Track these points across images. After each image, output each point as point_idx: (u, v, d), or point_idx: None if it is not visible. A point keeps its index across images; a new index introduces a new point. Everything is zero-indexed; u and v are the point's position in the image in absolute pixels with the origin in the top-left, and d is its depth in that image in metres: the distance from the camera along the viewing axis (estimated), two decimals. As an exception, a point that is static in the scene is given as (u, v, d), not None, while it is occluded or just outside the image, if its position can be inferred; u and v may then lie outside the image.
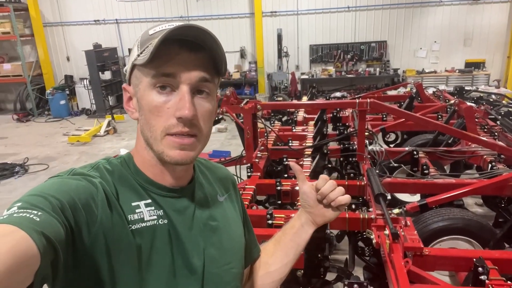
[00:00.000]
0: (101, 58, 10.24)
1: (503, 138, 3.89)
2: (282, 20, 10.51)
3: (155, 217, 0.75)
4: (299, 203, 2.69)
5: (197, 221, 0.82)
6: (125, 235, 0.70)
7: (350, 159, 3.62)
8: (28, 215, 0.55)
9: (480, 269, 1.87)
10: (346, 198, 0.92)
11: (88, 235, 0.66)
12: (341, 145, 3.75)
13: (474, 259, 1.93)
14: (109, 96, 10.51)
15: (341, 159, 3.78)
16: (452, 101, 4.52)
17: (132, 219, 0.73)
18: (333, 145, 3.85)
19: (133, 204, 0.74)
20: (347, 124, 4.73)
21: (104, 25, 11.23)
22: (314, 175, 3.14)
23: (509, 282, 1.82)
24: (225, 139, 7.55)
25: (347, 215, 2.55)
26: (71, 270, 0.64)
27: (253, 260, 1.04)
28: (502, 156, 3.41)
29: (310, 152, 3.62)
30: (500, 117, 4.47)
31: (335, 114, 4.91)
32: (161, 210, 0.77)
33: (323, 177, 0.95)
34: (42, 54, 11.23)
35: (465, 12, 10.06)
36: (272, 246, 1.02)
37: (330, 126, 4.88)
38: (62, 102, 10.72)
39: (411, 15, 10.29)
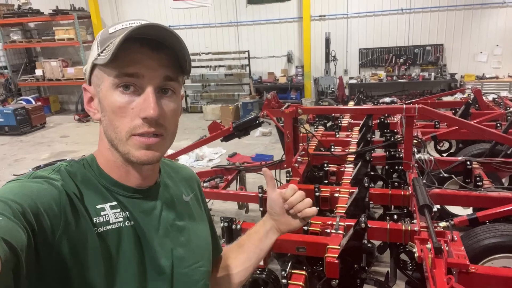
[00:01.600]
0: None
1: None
2: (331, 23, 10.35)
3: (121, 219, 0.74)
4: (338, 211, 2.62)
5: (164, 222, 0.82)
6: (90, 238, 0.69)
7: (397, 167, 3.46)
8: None
9: (535, 293, 1.70)
10: (313, 210, 0.95)
11: (52, 239, 0.63)
12: (387, 153, 3.60)
13: (529, 282, 1.75)
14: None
15: (387, 167, 3.62)
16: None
17: (97, 221, 0.71)
18: (379, 152, 3.70)
19: (98, 206, 0.73)
20: (395, 130, 4.54)
21: (159, 32, 11.76)
22: (355, 183, 3.04)
23: None
24: (269, 143, 7.56)
25: (388, 226, 2.43)
26: (35, 277, 0.61)
27: (216, 258, 1.04)
28: None
29: (352, 159, 3.51)
30: None
31: (382, 120, 4.73)
32: (127, 212, 0.76)
33: (292, 186, 0.97)
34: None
35: (533, 12, 9.27)
36: (235, 249, 1.04)
37: (377, 133, 4.71)
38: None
39: (470, 17, 9.67)
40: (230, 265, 1.02)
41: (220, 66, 11.33)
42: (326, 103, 8.45)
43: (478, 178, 3.11)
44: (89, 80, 0.78)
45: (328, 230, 2.39)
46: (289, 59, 10.77)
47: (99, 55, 0.72)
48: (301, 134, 3.79)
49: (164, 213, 0.82)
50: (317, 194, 2.91)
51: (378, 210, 3.66)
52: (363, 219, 2.05)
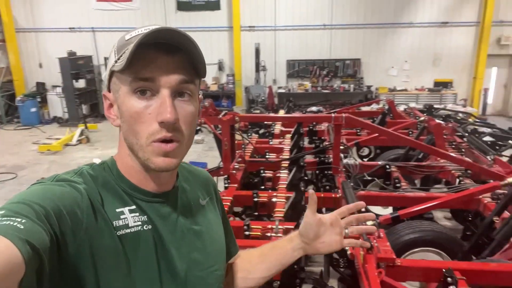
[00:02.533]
0: (76, 66, 10.04)
1: (469, 154, 4.08)
2: (260, 34, 10.69)
3: (140, 223, 0.75)
4: (276, 215, 2.72)
5: (181, 226, 0.82)
6: (110, 241, 0.70)
7: (326, 172, 3.70)
8: (12, 223, 0.54)
9: (449, 279, 1.95)
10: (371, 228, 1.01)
11: (74, 241, 0.65)
12: (317, 158, 3.83)
13: (444, 270, 2.00)
14: (82, 105, 10.28)
15: (317, 172, 3.85)
16: (422, 118, 4.71)
17: (117, 225, 0.72)
18: (309, 158, 3.92)
19: (118, 210, 0.74)
20: (322, 138, 4.84)
21: (80, 33, 11.05)
22: (291, 187, 3.18)
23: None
24: (202, 150, 7.52)
25: (322, 227, 2.59)
26: (57, 277, 0.63)
27: (230, 258, 1.05)
28: (469, 171, 3.57)
29: (286, 165, 3.67)
30: (467, 134, 4.69)
31: (311, 128, 5.01)
32: (145, 216, 0.77)
33: (346, 208, 0.99)
34: (14, 60, 10.90)
35: (434, 34, 10.57)
36: (257, 256, 1.04)
37: (306, 140, 4.97)
38: (33, 109, 10.40)
39: (383, 35, 10.70)
40: (248, 269, 1.03)
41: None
42: (258, 111, 8.68)
43: (396, 180, 3.46)
44: (108, 87, 0.78)
45: (268, 234, 2.47)
46: (220, 67, 10.86)
47: (116, 62, 0.72)
48: (236, 141, 3.86)
49: (180, 217, 0.83)
50: (255, 199, 2.99)
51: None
52: (301, 221, 2.17)
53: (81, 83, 10.40)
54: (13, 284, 0.50)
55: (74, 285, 0.66)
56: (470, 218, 3.46)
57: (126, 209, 0.75)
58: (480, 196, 3.01)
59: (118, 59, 0.72)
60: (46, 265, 0.56)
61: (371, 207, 4.05)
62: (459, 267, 2.08)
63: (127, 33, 0.75)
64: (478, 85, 10.66)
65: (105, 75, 0.79)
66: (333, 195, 3.11)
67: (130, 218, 0.74)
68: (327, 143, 4.25)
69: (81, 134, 8.42)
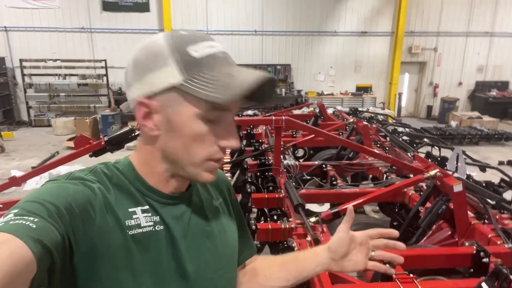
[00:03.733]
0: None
1: (392, 152, 4.49)
2: (192, 38, 10.61)
3: (152, 223, 0.75)
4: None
5: (192, 227, 0.82)
6: (122, 240, 0.70)
7: (266, 173, 3.81)
8: (24, 222, 0.55)
9: (387, 265, 2.14)
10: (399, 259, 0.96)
11: (85, 240, 0.65)
12: (258, 161, 3.92)
13: (382, 257, 2.19)
14: (-5, 111, 9.28)
15: (258, 174, 3.94)
16: (351, 120, 5.08)
17: (128, 224, 0.72)
18: (248, 161, 4.00)
19: (130, 210, 0.74)
20: (260, 140, 4.96)
21: (-10, 32, 9.98)
22: (235, 190, 3.22)
23: (411, 275, 2.11)
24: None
25: (270, 226, 2.67)
26: (68, 275, 0.64)
27: (246, 259, 1.04)
28: (394, 167, 3.94)
29: (229, 168, 3.70)
30: (389, 133, 5.15)
31: (249, 131, 5.11)
32: (158, 216, 0.77)
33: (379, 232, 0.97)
34: None
35: (355, 42, 11.44)
36: (277, 264, 1.01)
37: (244, 143, 5.05)
38: None
39: (310, 42, 11.31)
40: (266, 276, 1.01)
41: (71, 75, 10.27)
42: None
43: (333, 178, 3.68)
44: (151, 95, 0.72)
45: (217, 237, 2.48)
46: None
47: (187, 82, 0.69)
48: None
49: (193, 218, 0.83)
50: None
51: (252, 215, 3.94)
52: (253, 221, 2.23)
53: (-8, 87, 9.38)
54: (25, 282, 0.51)
55: (84, 283, 0.67)
56: (396, 210, 3.82)
57: (138, 209, 0.75)
58: (405, 189, 3.34)
59: (191, 79, 0.69)
60: (57, 263, 0.57)
61: (310, 205, 4.26)
62: (393, 254, 2.29)
63: (191, 41, 0.72)
64: (394, 90, 11.76)
65: (150, 80, 0.71)
66: (277, 195, 3.22)
67: (142, 218, 0.74)
68: (266, 146, 4.38)
69: (-6, 143, 7.60)
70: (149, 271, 0.74)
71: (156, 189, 0.78)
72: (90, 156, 3.61)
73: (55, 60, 9.96)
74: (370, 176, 4.55)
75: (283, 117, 3.48)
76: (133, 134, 3.51)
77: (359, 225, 2.92)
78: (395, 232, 0.95)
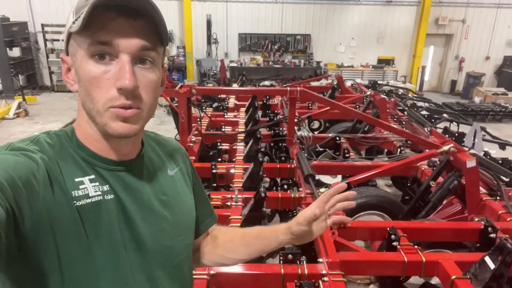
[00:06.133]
0: (9, 33, 9.18)
1: (409, 127, 4.43)
2: (212, 6, 10.45)
3: (100, 192, 0.73)
4: (235, 185, 2.81)
5: (147, 195, 0.81)
6: (69, 212, 0.68)
7: (280, 144, 3.84)
8: None
9: (392, 236, 2.19)
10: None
11: (31, 214, 0.63)
12: (272, 131, 3.95)
13: (388, 229, 2.24)
14: (19, 75, 9.47)
15: (272, 144, 3.99)
16: (368, 93, 5.00)
17: (76, 195, 0.69)
18: (263, 131, 4.03)
19: (77, 180, 0.71)
20: (276, 111, 4.96)
21: (13, -4, 10.06)
22: (247, 159, 3.28)
23: (416, 246, 2.16)
24: (153, 124, 7.36)
25: (280, 195, 2.73)
26: (14, 249, 0.61)
27: (208, 227, 1.05)
28: (409, 142, 3.90)
29: (243, 137, 3.75)
30: (407, 108, 5.06)
31: (265, 102, 5.11)
32: (107, 185, 0.74)
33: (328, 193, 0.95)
34: None
35: (379, 12, 11.01)
36: (240, 239, 1.03)
37: (260, 113, 5.07)
38: (-39, 79, 9.43)
39: (332, 11, 10.95)
40: (228, 249, 1.03)
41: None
42: (211, 85, 8.59)
43: (346, 151, 3.69)
44: (66, 50, 0.74)
45: (228, 203, 2.57)
46: (170, 38, 10.49)
47: (73, 23, 0.68)
48: (192, 115, 3.85)
49: (147, 187, 0.81)
50: (214, 171, 3.06)
51: (265, 184, 4.01)
52: (262, 189, 2.29)
53: (16, 52, 9.55)
54: None
55: (33, 257, 0.65)
56: (408, 184, 3.82)
57: (86, 179, 0.72)
58: (418, 164, 3.33)
59: (76, 20, 0.67)
60: (3, 238, 0.54)
61: (322, 176, 4.31)
62: (401, 226, 2.34)
63: None
64: (417, 63, 11.38)
65: (62, 37, 0.77)
66: (289, 166, 3.26)
67: (90, 188, 0.72)
68: (280, 117, 4.38)
69: (19, 107, 7.84)
70: (102, 242, 0.72)
71: (100, 156, 0.76)
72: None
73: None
74: (386, 150, 4.53)
75: (298, 88, 3.46)
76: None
77: (370, 197, 2.95)
78: (343, 186, 0.96)
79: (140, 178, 0.81)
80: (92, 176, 0.73)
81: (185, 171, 0.96)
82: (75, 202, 0.69)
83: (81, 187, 0.71)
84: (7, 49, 9.10)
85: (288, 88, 3.48)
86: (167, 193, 0.85)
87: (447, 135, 3.85)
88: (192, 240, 0.94)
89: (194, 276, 1.86)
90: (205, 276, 1.89)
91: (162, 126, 7.03)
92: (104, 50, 0.68)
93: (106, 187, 0.74)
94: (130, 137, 0.74)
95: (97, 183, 0.73)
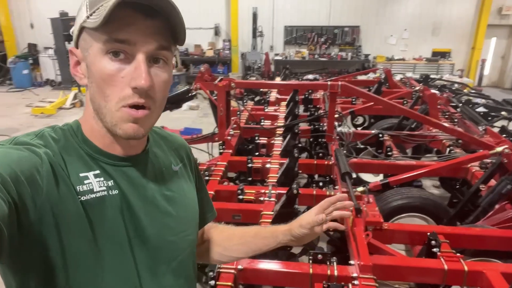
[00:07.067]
0: (68, 26, 9.76)
1: (462, 125, 4.13)
2: (258, -2, 10.42)
3: (105, 188, 0.73)
4: (270, 181, 2.78)
5: (151, 191, 0.80)
6: (73, 207, 0.68)
7: (319, 139, 3.75)
8: None
9: (433, 242, 2.05)
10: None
11: (34, 209, 0.62)
12: (311, 126, 3.86)
13: (428, 233, 2.10)
14: (76, 68, 10.12)
15: (311, 139, 3.90)
16: (417, 88, 4.72)
17: (80, 190, 0.69)
18: (303, 126, 3.96)
19: (81, 175, 0.71)
20: (317, 106, 4.85)
21: (72, -8, 10.68)
22: (284, 154, 3.24)
23: (458, 254, 2.00)
24: (196, 117, 7.52)
25: (314, 192, 2.67)
26: (18, 246, 0.61)
27: (206, 223, 1.07)
28: (460, 141, 3.64)
29: (281, 132, 3.71)
30: (460, 104, 4.72)
31: (306, 96, 5.01)
32: (111, 181, 0.74)
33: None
34: (4, 20, 10.60)
35: (435, 1, 10.35)
36: (238, 237, 1.04)
37: (301, 108, 4.99)
38: (25, 71, 10.23)
39: (384, 2, 10.46)
40: (225, 247, 1.05)
41: (143, 35, 10.72)
42: (254, 78, 8.60)
43: (388, 149, 3.52)
44: (76, 42, 0.73)
45: (261, 198, 2.55)
46: (217, 32, 10.63)
47: (88, 17, 0.67)
48: (231, 108, 3.87)
49: (151, 182, 0.81)
50: (250, 165, 3.05)
51: (303, 180, 3.95)
52: (295, 186, 2.24)
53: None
54: None
55: (37, 251, 0.65)
56: (457, 186, 3.57)
57: (90, 174, 0.72)
58: (469, 165, 3.09)
59: (91, 14, 0.66)
60: (5, 234, 0.54)
61: (362, 174, 4.16)
62: (443, 231, 2.18)
63: None
64: (476, 56, 10.59)
65: (73, 29, 0.74)
66: (326, 162, 3.17)
67: (95, 183, 0.72)
68: (322, 112, 4.28)
69: (75, 97, 8.37)
70: (106, 237, 0.72)
71: (106, 152, 0.75)
72: (151, 113, 3.83)
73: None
74: (435, 149, 4.26)
75: (339, 83, 3.34)
76: (189, 94, 3.65)
77: (411, 198, 2.79)
78: (344, 196, 0.97)
79: (144, 174, 0.80)
80: (97, 171, 0.73)
81: (189, 167, 0.96)
82: (79, 196, 0.69)
83: (85, 182, 0.71)
84: (66, 42, 9.70)
85: (329, 82, 3.38)
86: (171, 189, 0.86)
87: (504, 135, 3.54)
88: (196, 236, 0.94)
89: (221, 270, 1.89)
90: (232, 271, 1.89)
91: (205, 118, 7.15)
92: (120, 48, 0.68)
93: (110, 183, 0.74)
94: (139, 138, 0.74)
95: (102, 178, 0.73)
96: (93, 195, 0.71)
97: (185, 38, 0.74)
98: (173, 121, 6.86)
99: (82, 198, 0.69)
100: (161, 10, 0.67)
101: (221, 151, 3.37)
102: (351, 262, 1.97)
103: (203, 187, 1.04)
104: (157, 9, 0.67)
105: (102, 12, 0.64)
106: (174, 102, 3.66)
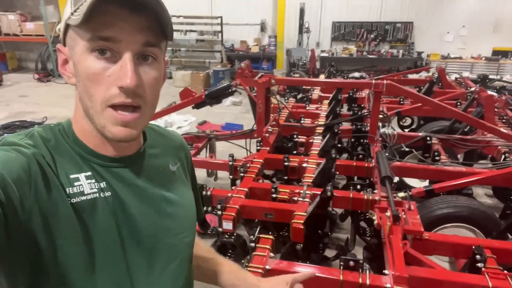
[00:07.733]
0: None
1: (521, 130, 3.79)
2: (306, -7, 10.24)
3: (96, 190, 0.71)
4: (305, 180, 2.72)
5: (148, 192, 0.78)
6: (63, 209, 0.66)
7: (362, 140, 3.61)
8: None
9: (478, 256, 1.89)
10: None
11: (22, 211, 0.60)
12: (354, 126, 3.73)
13: (473, 247, 1.94)
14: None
15: (352, 140, 3.77)
16: (472, 89, 4.40)
17: (70, 192, 0.67)
18: (346, 125, 3.83)
19: (72, 176, 0.69)
20: (362, 105, 4.68)
21: None
22: (322, 154, 3.15)
23: (506, 272, 1.83)
24: (239, 112, 7.57)
25: (351, 195, 2.57)
26: (6, 248, 0.59)
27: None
28: (518, 148, 3.34)
29: (321, 131, 3.61)
30: (521, 108, 4.34)
31: (351, 94, 4.85)
32: (103, 182, 0.72)
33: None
34: (64, 15, 11.26)
35: (499, -4, 9.59)
36: (213, 265, 1.06)
37: (345, 107, 4.84)
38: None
39: (441, -4, 9.87)
40: (198, 265, 1.03)
41: (191, 31, 10.97)
42: (297, 75, 8.49)
43: (436, 153, 3.31)
44: (63, 40, 0.71)
45: (295, 198, 2.50)
46: (263, 28, 10.61)
47: (72, 14, 0.65)
48: (272, 105, 3.83)
49: (148, 183, 0.79)
50: (286, 163, 3.00)
51: (342, 181, 3.83)
52: (329, 188, 2.16)
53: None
54: None
55: (26, 254, 0.63)
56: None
57: (82, 175, 0.70)
58: (526, 175, 2.82)
59: (75, 11, 0.64)
60: None
61: (407, 179, 3.95)
62: (491, 245, 2.01)
63: None
64: (544, 55, 9.68)
65: (59, 26, 0.72)
66: (366, 164, 3.05)
67: (86, 185, 0.70)
68: (366, 111, 4.11)
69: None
70: (98, 240, 0.70)
71: (96, 152, 0.73)
72: (193, 108, 3.91)
73: (178, 17, 10.71)
74: (490, 156, 3.95)
75: (384, 81, 3.19)
76: (229, 90, 3.66)
77: (458, 207, 2.60)
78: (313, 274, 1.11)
79: (140, 174, 0.78)
80: (89, 173, 0.71)
81: (186, 167, 0.94)
82: (69, 199, 0.67)
83: (76, 184, 0.69)
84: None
85: (373, 81, 3.23)
86: (168, 190, 0.83)
87: None
88: (193, 238, 0.91)
89: (248, 269, 1.88)
90: (260, 270, 1.87)
91: (247, 114, 7.16)
92: (105, 46, 0.65)
93: (103, 184, 0.72)
94: (130, 141, 0.72)
95: (93, 180, 0.71)
96: (84, 197, 0.69)
97: (172, 33, 0.71)
98: (215, 116, 6.97)
99: (72, 200, 0.67)
100: (147, 5, 0.64)
101: (259, 148, 3.34)
102: (386, 271, 1.88)
103: (196, 187, 1.02)
104: (143, 3, 0.64)
105: (83, 8, 0.61)
106: (214, 98, 3.69)
